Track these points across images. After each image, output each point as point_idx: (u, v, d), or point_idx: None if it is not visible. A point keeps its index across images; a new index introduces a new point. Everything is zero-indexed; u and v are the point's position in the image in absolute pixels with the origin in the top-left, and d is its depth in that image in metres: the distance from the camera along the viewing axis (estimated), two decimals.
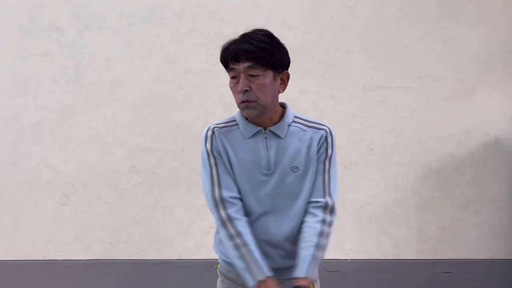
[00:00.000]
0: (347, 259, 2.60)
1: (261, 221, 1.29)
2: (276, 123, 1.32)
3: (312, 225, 1.26)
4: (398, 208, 2.59)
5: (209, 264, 2.57)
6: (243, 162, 1.29)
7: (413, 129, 2.58)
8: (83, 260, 2.60)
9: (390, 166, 2.58)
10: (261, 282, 1.18)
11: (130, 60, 2.58)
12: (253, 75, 1.24)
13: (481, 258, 2.60)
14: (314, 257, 1.23)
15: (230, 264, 1.33)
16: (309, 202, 1.30)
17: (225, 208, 1.26)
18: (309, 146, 1.30)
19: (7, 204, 2.61)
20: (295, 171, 1.29)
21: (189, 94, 2.60)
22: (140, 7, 2.58)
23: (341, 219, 2.59)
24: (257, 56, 1.22)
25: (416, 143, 2.58)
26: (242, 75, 1.24)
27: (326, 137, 1.32)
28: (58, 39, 2.58)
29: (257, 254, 1.22)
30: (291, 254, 1.28)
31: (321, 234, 1.25)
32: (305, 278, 1.20)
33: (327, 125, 1.35)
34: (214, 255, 2.66)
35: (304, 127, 1.33)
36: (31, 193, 2.61)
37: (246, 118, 1.31)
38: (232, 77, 1.28)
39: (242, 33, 1.28)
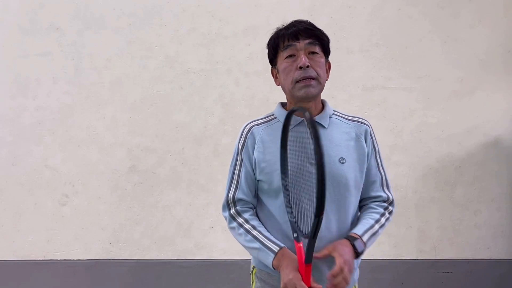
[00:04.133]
0: None
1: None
2: (319, 113, 1.30)
3: (374, 209, 1.29)
4: (398, 208, 2.59)
5: (209, 264, 2.58)
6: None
7: (413, 129, 2.58)
8: (83, 260, 2.60)
9: (390, 166, 2.58)
10: (278, 252, 1.16)
11: (130, 60, 2.58)
12: (313, 52, 1.23)
13: (481, 258, 2.60)
14: (372, 227, 1.23)
15: (265, 266, 1.28)
16: (368, 198, 1.31)
17: (235, 206, 1.30)
18: (357, 140, 1.29)
19: (7, 204, 2.62)
20: (343, 162, 1.24)
21: (189, 94, 2.59)
22: (140, 7, 2.58)
23: None
24: (318, 34, 1.24)
25: (416, 143, 2.58)
26: (302, 53, 1.22)
27: (370, 132, 1.32)
28: (58, 39, 2.59)
29: (267, 233, 1.23)
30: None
31: (383, 215, 1.28)
32: (358, 236, 1.19)
33: (366, 120, 1.34)
34: (214, 255, 2.67)
35: (344, 120, 1.32)
36: (31, 193, 2.61)
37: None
38: (288, 56, 1.24)
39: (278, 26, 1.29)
